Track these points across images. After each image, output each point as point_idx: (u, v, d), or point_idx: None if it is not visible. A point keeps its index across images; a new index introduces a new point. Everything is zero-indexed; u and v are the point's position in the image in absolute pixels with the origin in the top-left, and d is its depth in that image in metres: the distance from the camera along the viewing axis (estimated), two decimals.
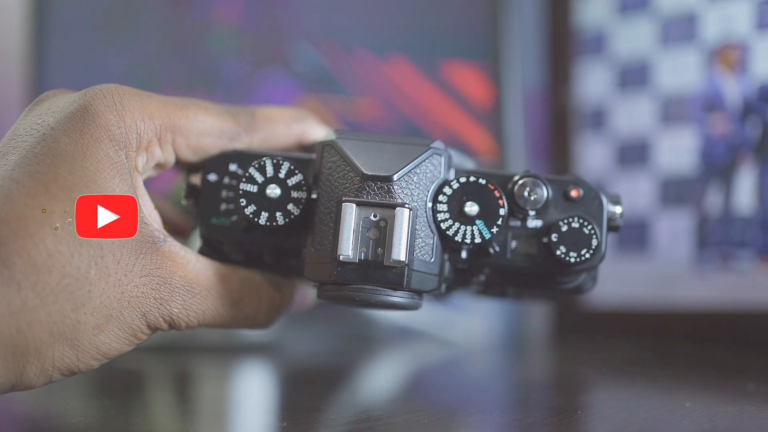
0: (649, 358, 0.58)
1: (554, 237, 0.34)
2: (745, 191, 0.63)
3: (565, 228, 0.34)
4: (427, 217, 0.33)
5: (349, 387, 0.48)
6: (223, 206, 0.36)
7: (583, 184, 0.35)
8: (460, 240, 0.33)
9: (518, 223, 0.35)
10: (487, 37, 0.72)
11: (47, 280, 0.29)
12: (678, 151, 0.67)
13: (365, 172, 0.33)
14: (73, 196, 0.30)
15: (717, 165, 0.65)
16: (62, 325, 0.30)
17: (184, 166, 0.36)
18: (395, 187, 0.33)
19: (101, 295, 0.30)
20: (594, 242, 0.34)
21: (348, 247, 0.32)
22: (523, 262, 0.35)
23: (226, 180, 0.36)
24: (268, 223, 0.34)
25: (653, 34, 0.69)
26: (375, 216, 0.32)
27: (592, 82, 0.73)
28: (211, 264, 0.34)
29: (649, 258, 0.68)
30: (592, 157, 0.73)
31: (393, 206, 0.32)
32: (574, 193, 0.35)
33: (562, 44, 0.74)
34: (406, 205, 0.32)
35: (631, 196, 0.70)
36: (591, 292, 0.37)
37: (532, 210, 0.34)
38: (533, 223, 0.35)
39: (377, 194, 0.33)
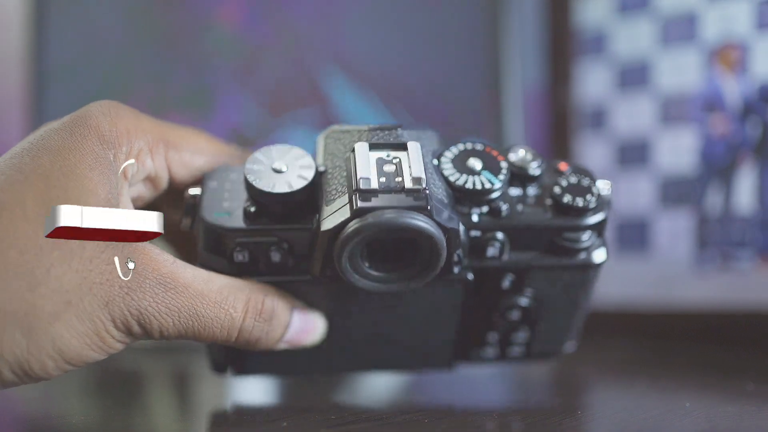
0: (649, 358, 0.58)
1: (557, 190, 0.36)
2: (745, 191, 0.63)
3: (565, 182, 0.36)
4: (435, 171, 0.34)
5: (349, 387, 0.48)
6: (226, 204, 0.35)
7: (568, 162, 0.37)
8: (471, 187, 0.34)
9: (520, 192, 0.36)
10: (487, 38, 0.72)
11: (6, 254, 0.28)
12: (678, 151, 0.67)
13: (372, 126, 0.34)
14: (49, 183, 0.30)
15: (717, 165, 0.65)
16: (16, 304, 0.28)
17: (178, 188, 0.36)
18: (403, 132, 0.34)
19: (61, 276, 0.29)
20: (594, 190, 0.36)
21: (368, 171, 0.32)
22: (534, 217, 0.35)
23: (228, 185, 0.35)
24: (278, 190, 0.33)
25: (653, 34, 0.69)
26: (388, 155, 0.33)
27: (592, 82, 0.73)
28: (190, 266, 0.32)
29: (649, 258, 0.68)
30: (592, 157, 0.73)
31: (404, 144, 0.33)
32: (562, 167, 0.37)
33: (562, 44, 0.74)
34: (417, 142, 0.33)
35: (631, 196, 0.70)
36: (604, 263, 0.37)
37: (531, 170, 0.36)
38: (533, 191, 0.36)
39: (387, 139, 0.34)
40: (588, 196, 0.36)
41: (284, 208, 0.34)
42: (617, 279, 0.69)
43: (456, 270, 0.35)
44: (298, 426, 0.33)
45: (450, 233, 0.33)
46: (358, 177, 0.32)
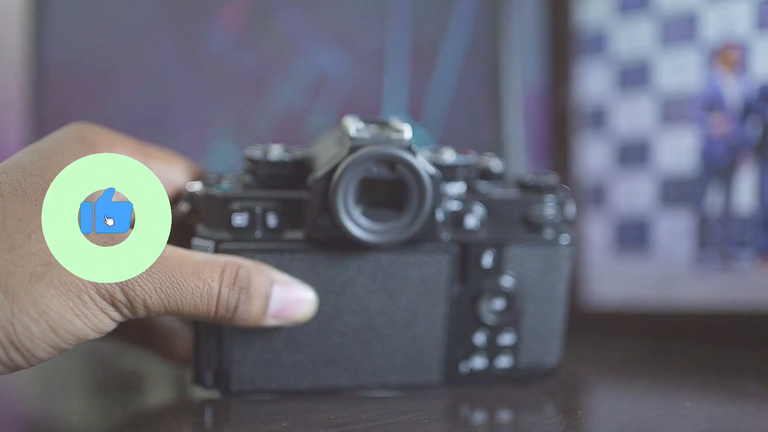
0: (649, 358, 0.58)
1: (521, 175, 0.42)
2: (745, 191, 0.63)
3: (525, 174, 0.43)
4: None
5: None
6: (225, 184, 0.38)
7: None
8: (448, 162, 0.39)
9: (488, 183, 0.41)
10: (487, 37, 0.72)
11: None
12: (678, 151, 0.68)
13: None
14: (25, 172, 0.32)
15: (717, 165, 0.65)
16: None
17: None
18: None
19: (41, 241, 0.30)
20: (552, 176, 0.42)
21: (359, 124, 0.37)
22: (507, 194, 0.41)
23: (225, 177, 0.39)
24: (276, 159, 0.38)
25: (653, 34, 0.69)
26: (372, 126, 0.37)
27: (592, 82, 0.73)
28: (168, 245, 0.34)
29: (649, 258, 0.68)
30: (592, 157, 0.73)
31: (386, 120, 0.38)
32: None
33: (562, 44, 0.74)
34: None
35: (631, 196, 0.70)
36: (573, 242, 0.42)
37: (494, 168, 0.42)
38: (499, 184, 0.42)
39: (371, 119, 0.38)
40: (549, 177, 0.41)
41: (278, 180, 0.38)
42: (617, 279, 0.69)
43: (442, 234, 0.38)
44: (298, 426, 0.33)
45: (434, 176, 0.37)
46: (349, 129, 0.36)
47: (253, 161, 0.39)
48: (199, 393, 0.39)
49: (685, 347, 0.61)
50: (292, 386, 0.39)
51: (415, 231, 0.37)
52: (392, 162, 0.36)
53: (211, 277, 0.34)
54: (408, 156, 0.36)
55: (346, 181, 0.36)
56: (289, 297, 0.37)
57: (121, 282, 0.31)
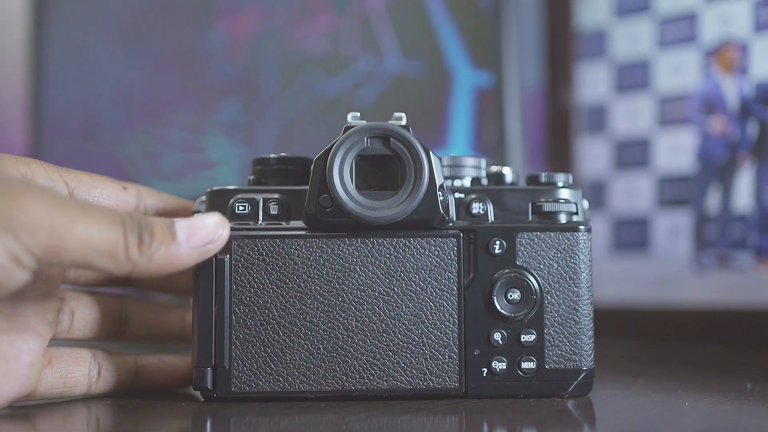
0: (649, 358, 0.58)
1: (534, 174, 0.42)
2: (743, 191, 0.63)
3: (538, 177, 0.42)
4: None
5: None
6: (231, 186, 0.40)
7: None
8: (452, 158, 0.40)
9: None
10: (487, 38, 0.72)
11: None
12: (677, 151, 0.68)
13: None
14: None
15: (715, 165, 0.65)
16: None
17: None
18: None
19: None
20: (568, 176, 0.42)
21: (357, 114, 0.38)
22: (515, 187, 0.41)
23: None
24: (278, 156, 0.40)
25: (652, 36, 0.70)
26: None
27: (592, 83, 0.73)
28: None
29: (648, 258, 0.69)
30: (592, 157, 0.73)
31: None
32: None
33: (562, 46, 0.74)
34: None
35: (631, 196, 0.70)
36: (587, 231, 0.41)
37: (507, 176, 0.42)
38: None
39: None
40: (562, 175, 0.40)
41: (283, 176, 0.40)
42: (616, 278, 0.69)
43: (445, 217, 0.38)
44: (298, 426, 0.33)
45: (429, 150, 0.37)
46: (348, 117, 0.37)
47: (258, 161, 0.41)
48: (199, 394, 0.39)
49: (683, 346, 0.62)
50: (296, 388, 0.37)
51: (414, 207, 0.37)
52: (386, 136, 0.37)
53: (115, 212, 0.34)
54: (401, 130, 0.37)
55: (341, 154, 0.37)
56: (194, 222, 0.36)
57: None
